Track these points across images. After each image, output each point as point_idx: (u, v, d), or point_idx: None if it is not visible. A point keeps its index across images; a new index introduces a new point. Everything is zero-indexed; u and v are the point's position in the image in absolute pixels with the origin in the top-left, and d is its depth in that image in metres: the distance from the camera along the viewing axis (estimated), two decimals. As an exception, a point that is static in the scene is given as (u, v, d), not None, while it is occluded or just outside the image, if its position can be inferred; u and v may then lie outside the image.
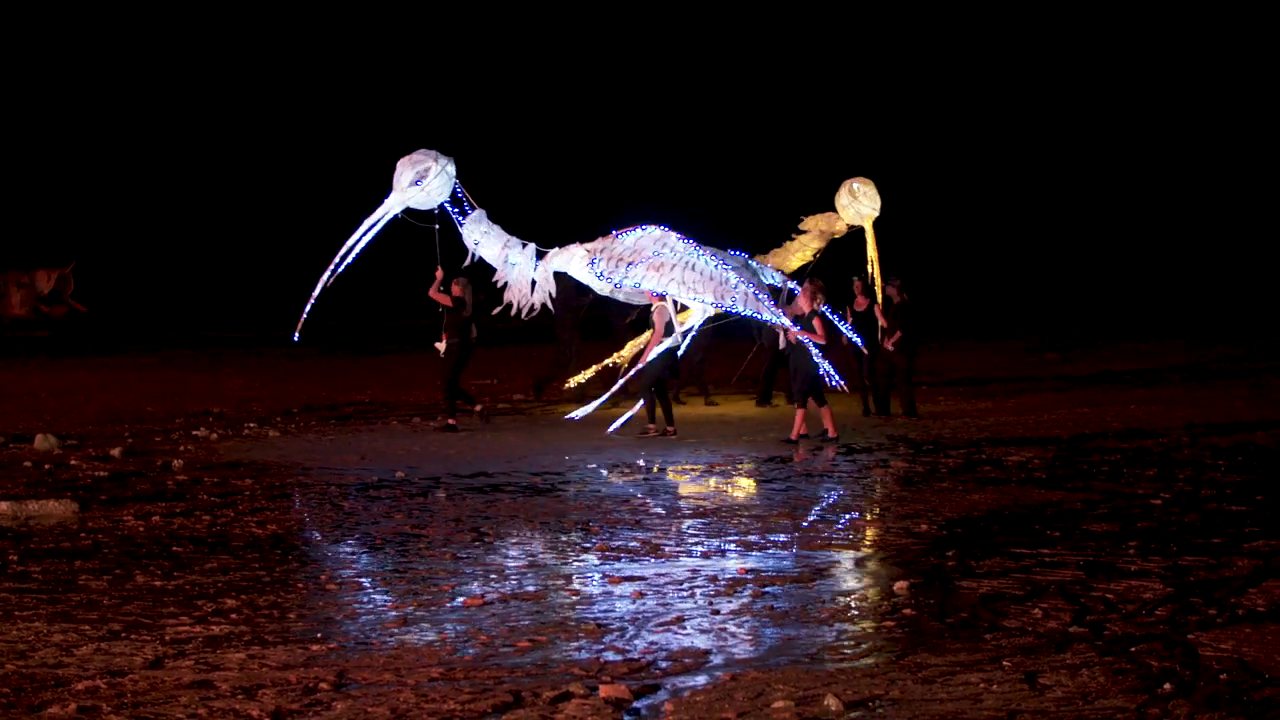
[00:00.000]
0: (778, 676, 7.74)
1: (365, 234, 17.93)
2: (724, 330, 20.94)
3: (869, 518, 12.66)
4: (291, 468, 15.46)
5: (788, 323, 17.55)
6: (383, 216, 18.03)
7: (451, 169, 18.16)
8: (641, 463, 15.90)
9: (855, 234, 21.00)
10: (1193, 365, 28.96)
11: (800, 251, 21.08)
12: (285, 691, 7.48)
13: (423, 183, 17.90)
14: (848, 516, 12.70)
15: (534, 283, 18.47)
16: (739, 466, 15.73)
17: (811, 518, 12.60)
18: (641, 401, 18.36)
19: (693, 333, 18.71)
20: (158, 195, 56.16)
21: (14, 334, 40.56)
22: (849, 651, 8.25)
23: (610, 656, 8.16)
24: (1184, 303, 47.71)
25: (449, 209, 18.31)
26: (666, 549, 11.20)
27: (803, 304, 17.67)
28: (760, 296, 17.42)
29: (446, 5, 65.79)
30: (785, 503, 13.33)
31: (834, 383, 17.58)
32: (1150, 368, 28.41)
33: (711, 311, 18.24)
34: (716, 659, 8.11)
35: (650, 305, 18.27)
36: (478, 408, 19.31)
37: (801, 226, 21.06)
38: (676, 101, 64.47)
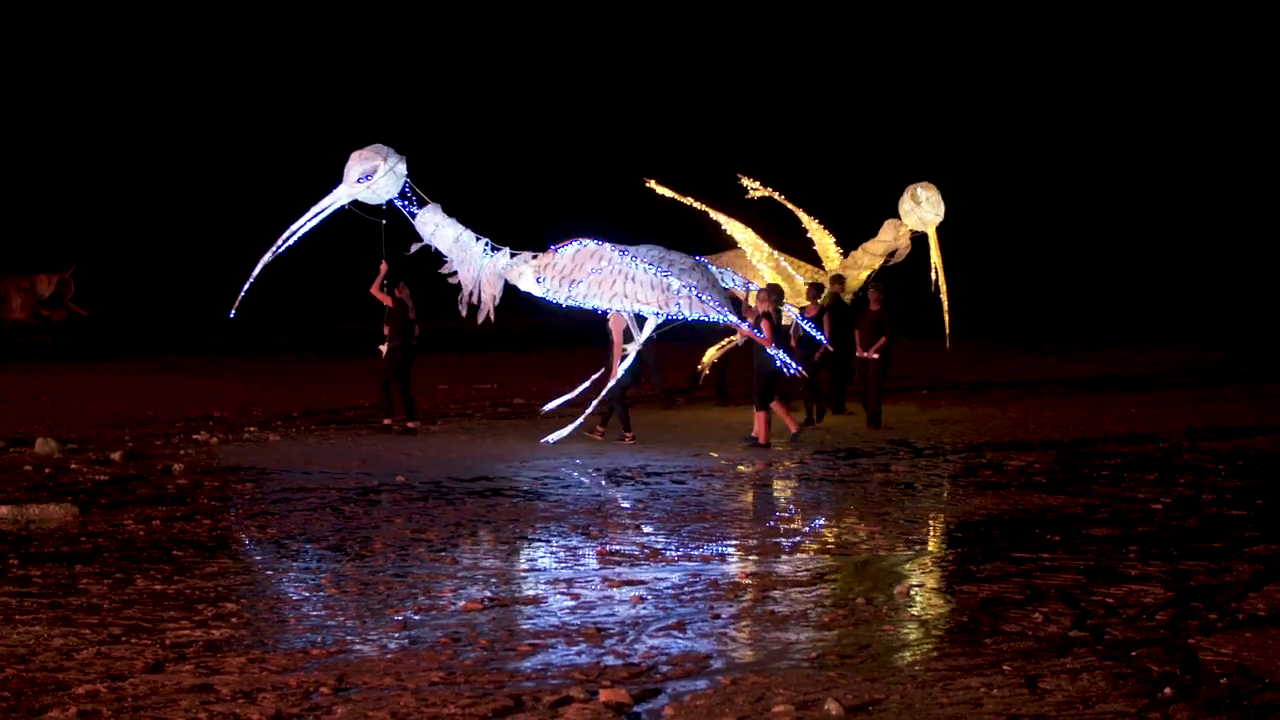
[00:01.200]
0: (778, 681, 7.74)
1: (309, 221, 17.90)
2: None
3: (869, 522, 12.65)
4: (292, 472, 15.45)
5: (736, 321, 17.62)
6: (328, 206, 18.01)
7: (401, 168, 18.10)
8: (642, 468, 15.89)
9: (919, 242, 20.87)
10: (1193, 369, 28.96)
11: (868, 259, 21.05)
12: (285, 695, 7.48)
13: (369, 180, 17.89)
14: (848, 521, 12.69)
15: (484, 279, 18.31)
16: (741, 471, 15.72)
17: (812, 522, 12.59)
18: (587, 413, 18.44)
19: (650, 338, 18.71)
20: (158, 199, 56.20)
21: (14, 338, 40.56)
22: (849, 656, 8.25)
23: (610, 661, 8.16)
24: (1185, 306, 47.72)
25: (398, 204, 18.28)
26: (667, 553, 11.20)
27: (756, 306, 17.78)
28: (704, 298, 17.37)
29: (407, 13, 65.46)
30: (786, 507, 13.33)
31: (791, 371, 17.59)
32: (1150, 371, 28.40)
33: (656, 320, 18.30)
34: (717, 663, 8.12)
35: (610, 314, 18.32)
36: (388, 420, 19.28)
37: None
38: (673, 105, 64.40)
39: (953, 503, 13.66)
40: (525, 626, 8.93)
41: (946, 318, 20.80)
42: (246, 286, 17.79)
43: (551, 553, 11.26)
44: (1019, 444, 17.73)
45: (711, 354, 22.10)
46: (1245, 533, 11.90)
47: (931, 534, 12.13)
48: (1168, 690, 7.57)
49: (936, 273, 20.57)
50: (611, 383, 18.24)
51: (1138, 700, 7.42)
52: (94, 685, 7.63)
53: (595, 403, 18.38)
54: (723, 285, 18.20)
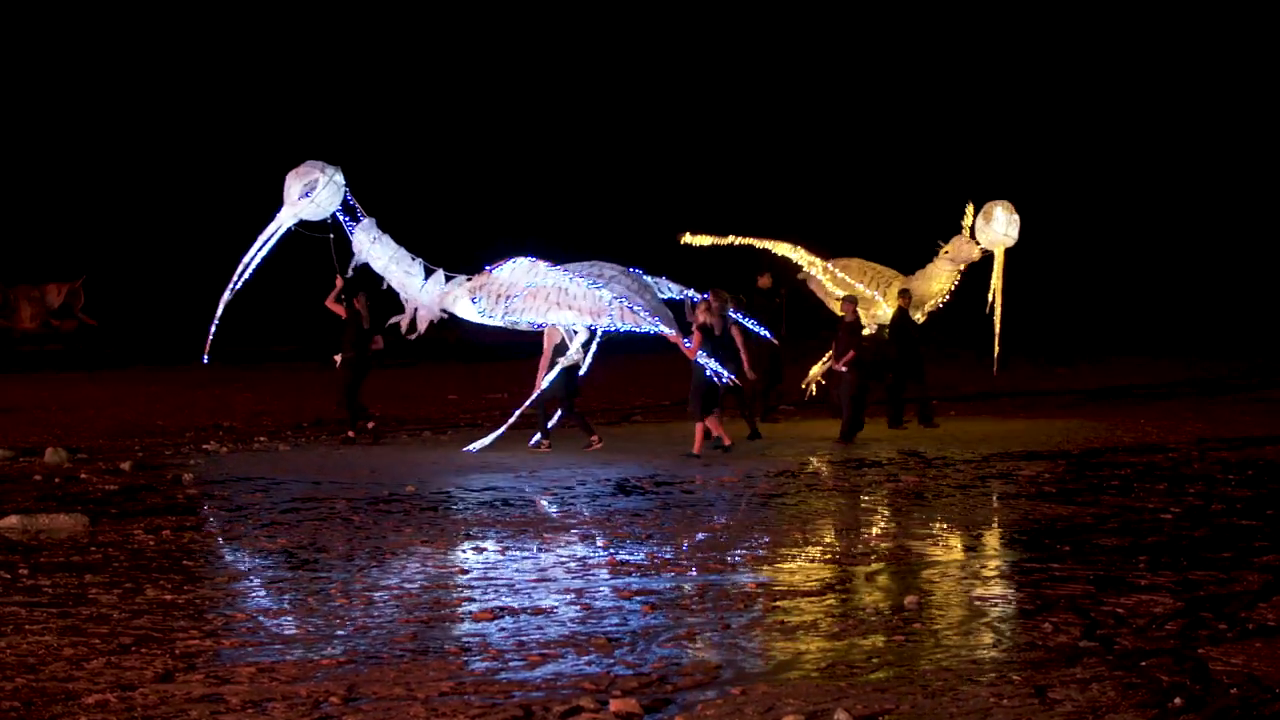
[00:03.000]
0: (788, 691, 7.74)
1: (260, 249, 18.30)
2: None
3: (879, 532, 12.65)
4: (302, 482, 15.47)
5: (665, 330, 17.65)
6: (276, 231, 18.36)
7: (339, 178, 18.42)
8: (652, 478, 15.89)
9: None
10: (1203, 379, 28.91)
11: (940, 276, 20.80)
12: (295, 705, 7.49)
13: (311, 194, 18.20)
14: (857, 530, 12.69)
15: (422, 300, 18.65)
16: (751, 481, 15.71)
17: (822, 532, 12.59)
18: (508, 423, 18.60)
19: (593, 349, 18.83)
20: (169, 210, 56.27)
21: (25, 347, 40.62)
22: (859, 666, 8.25)
23: (620, 671, 8.16)
24: (1194, 317, 47.63)
25: (341, 218, 18.59)
26: (677, 563, 11.20)
27: (697, 316, 17.88)
28: (635, 308, 17.45)
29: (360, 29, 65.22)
30: (796, 517, 13.32)
31: (723, 380, 17.65)
32: (1160, 382, 28.36)
33: (586, 333, 18.45)
34: (727, 673, 8.12)
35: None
36: (370, 425, 19.32)
37: (942, 250, 20.86)
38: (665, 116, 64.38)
39: (963, 513, 13.65)
40: (535, 636, 8.93)
41: (997, 343, 20.69)
42: (213, 328, 18.33)
43: (561, 562, 11.27)
44: (1029, 454, 17.71)
45: (816, 370, 21.85)
46: (1255, 543, 11.88)
47: (940, 544, 12.12)
48: (1177, 700, 7.56)
49: (994, 295, 20.43)
50: (535, 393, 18.38)
51: (1148, 711, 7.41)
52: (104, 695, 7.64)
53: (519, 411, 18.51)
54: (660, 295, 18.29)
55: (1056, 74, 62.04)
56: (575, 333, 18.32)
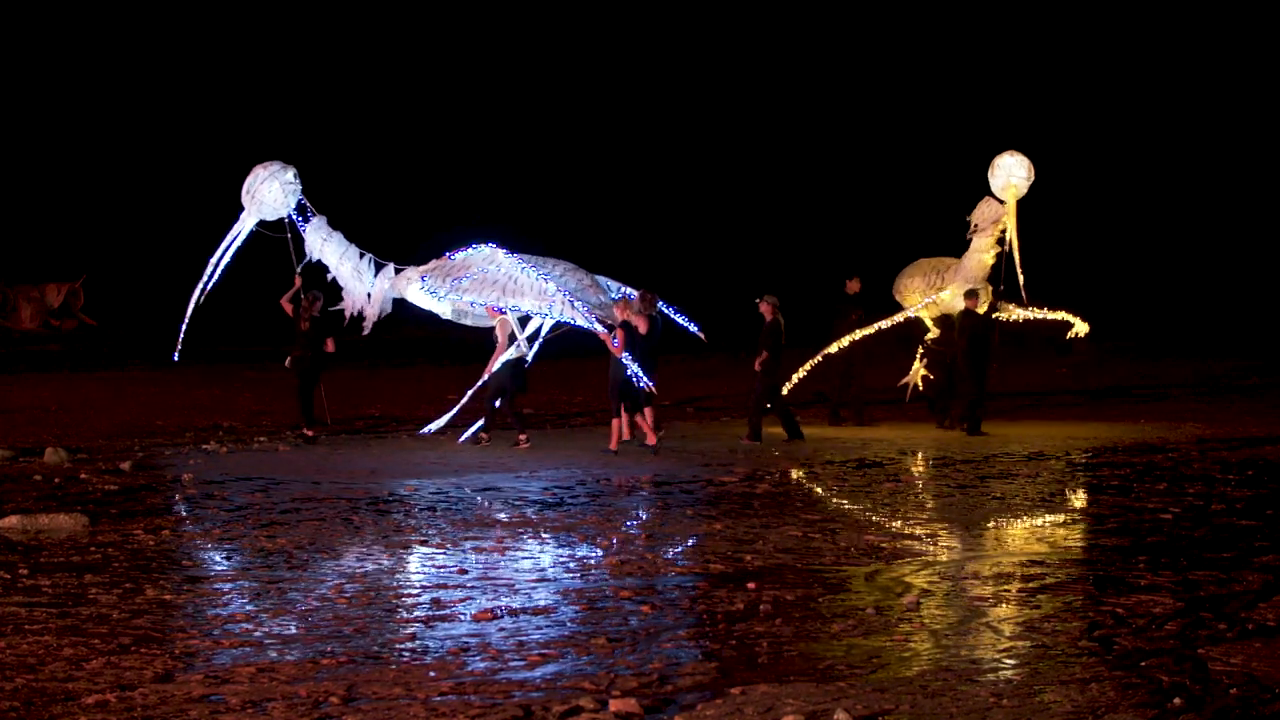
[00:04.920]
0: (788, 691, 7.74)
1: (225, 252, 19.02)
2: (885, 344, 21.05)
3: (879, 532, 12.65)
4: (301, 482, 15.47)
5: (600, 329, 18.05)
6: (239, 233, 19.10)
7: (290, 175, 19.06)
8: (653, 477, 15.90)
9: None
10: (1203, 379, 28.92)
11: (983, 249, 20.18)
12: (295, 705, 7.49)
13: (267, 194, 18.91)
14: (857, 530, 12.68)
15: (369, 295, 19.27)
16: (753, 482, 15.71)
17: (821, 531, 12.58)
18: (485, 415, 18.95)
19: (539, 342, 19.44)
20: (169, 209, 56.25)
21: (24, 347, 40.61)
22: (859, 666, 8.25)
23: (621, 670, 8.16)
24: (1196, 316, 47.63)
25: (294, 217, 19.21)
26: (677, 563, 11.20)
27: (616, 313, 18.24)
28: (576, 304, 17.98)
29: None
30: (796, 517, 13.32)
31: (642, 383, 17.78)
32: (1160, 382, 28.37)
33: (536, 324, 19.09)
34: (727, 673, 8.12)
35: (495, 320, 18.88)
36: (311, 433, 19.38)
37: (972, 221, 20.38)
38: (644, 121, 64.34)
39: (963, 513, 13.65)
40: (535, 636, 8.94)
41: (1023, 288, 20.02)
42: (184, 328, 19.32)
43: (561, 562, 11.27)
44: (1028, 454, 17.71)
45: (917, 370, 21.49)
46: (1255, 543, 11.88)
47: (940, 544, 12.12)
48: (1177, 700, 7.56)
49: (1010, 245, 19.93)
50: (479, 382, 18.99)
51: (1147, 711, 7.41)
52: (103, 695, 7.65)
53: (466, 396, 19.27)
54: (610, 295, 18.77)
55: (1058, 75, 62.04)
56: (526, 324, 18.95)
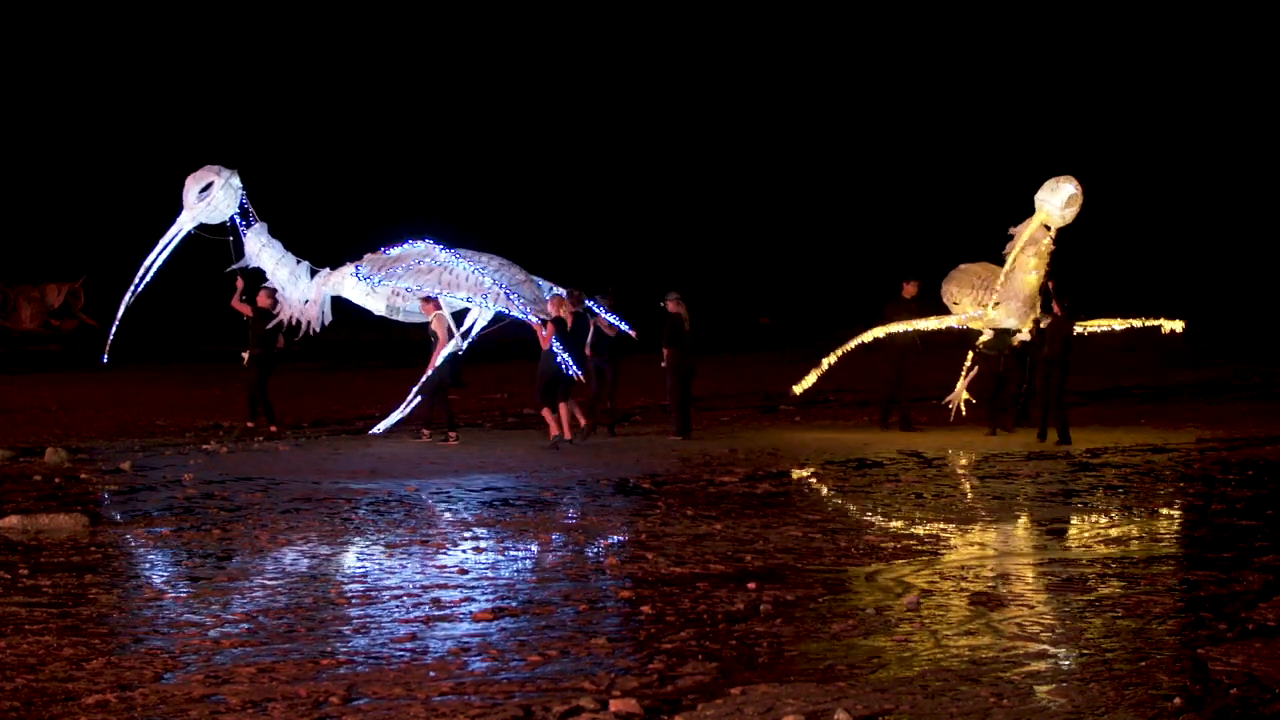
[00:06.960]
0: (788, 691, 7.74)
1: (160, 253, 19.46)
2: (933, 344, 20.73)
3: (879, 532, 12.64)
4: (302, 481, 15.47)
5: (534, 321, 18.42)
6: (176, 234, 19.47)
7: (236, 181, 19.38)
8: (652, 477, 15.89)
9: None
10: (1203, 379, 28.91)
11: (1027, 264, 19.29)
12: (295, 705, 7.49)
13: (208, 196, 19.23)
14: (857, 530, 12.68)
15: (306, 300, 19.63)
16: (753, 483, 15.70)
17: (820, 531, 12.58)
18: (413, 406, 19.57)
19: (474, 334, 19.78)
20: (168, 211, 56.37)
21: (24, 347, 40.63)
22: (859, 666, 8.25)
23: (620, 671, 8.16)
24: (1196, 317, 47.60)
25: (237, 220, 19.51)
26: (677, 563, 11.20)
27: (550, 308, 18.54)
28: (512, 296, 18.47)
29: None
30: (796, 517, 13.31)
31: (571, 371, 18.06)
32: (1160, 382, 28.37)
33: (473, 317, 19.59)
34: (727, 673, 8.12)
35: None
36: (273, 429, 19.74)
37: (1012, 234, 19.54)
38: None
39: (962, 513, 13.65)
40: (535, 636, 8.93)
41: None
42: (113, 331, 19.76)
43: (561, 562, 11.26)
44: (1029, 454, 17.71)
45: (960, 390, 20.93)
46: (1255, 543, 11.88)
47: (940, 544, 12.12)
48: (1177, 701, 7.56)
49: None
50: (423, 378, 19.18)
51: (1147, 711, 7.41)
52: (104, 695, 7.65)
53: (413, 392, 19.55)
54: (543, 293, 19.10)
55: (1067, 77, 62.12)
56: (465, 317, 19.46)
